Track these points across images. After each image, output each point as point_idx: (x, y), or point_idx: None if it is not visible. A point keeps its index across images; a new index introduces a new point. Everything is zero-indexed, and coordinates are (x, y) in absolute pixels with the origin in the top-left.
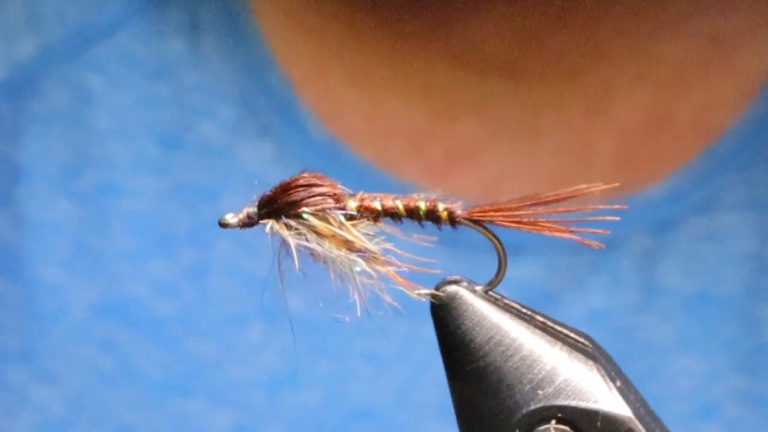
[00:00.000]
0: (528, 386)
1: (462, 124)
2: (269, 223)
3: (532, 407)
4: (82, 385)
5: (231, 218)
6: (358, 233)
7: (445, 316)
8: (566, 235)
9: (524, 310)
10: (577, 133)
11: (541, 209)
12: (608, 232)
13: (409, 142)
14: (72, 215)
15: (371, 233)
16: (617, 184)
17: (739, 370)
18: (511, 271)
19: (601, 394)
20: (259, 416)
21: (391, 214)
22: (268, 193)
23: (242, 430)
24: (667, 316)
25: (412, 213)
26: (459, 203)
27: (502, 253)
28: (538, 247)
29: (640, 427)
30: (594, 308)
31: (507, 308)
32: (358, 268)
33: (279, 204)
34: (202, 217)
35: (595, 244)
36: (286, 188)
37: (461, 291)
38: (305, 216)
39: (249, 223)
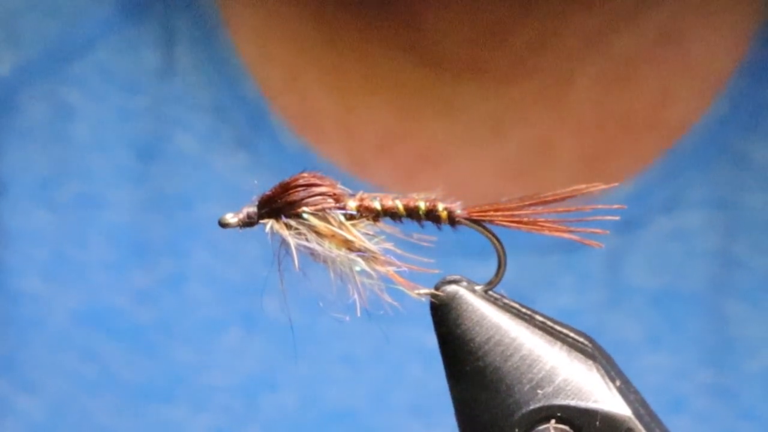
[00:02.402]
0: (528, 386)
1: (430, 124)
2: (269, 223)
3: (532, 407)
4: (63, 392)
5: (231, 218)
6: (358, 233)
7: (444, 316)
8: (566, 235)
9: (524, 310)
10: (539, 130)
11: (540, 209)
12: (608, 231)
13: (379, 144)
14: (52, 226)
15: (371, 233)
16: (616, 184)
17: (707, 364)
18: (480, 269)
19: (600, 394)
20: (237, 420)
21: (390, 214)
22: (267, 193)
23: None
24: (635, 313)
25: (412, 213)
26: (459, 203)
27: (501, 253)
28: (507, 247)
29: (640, 426)
30: (562, 307)
31: (507, 308)
32: (357, 268)
33: (279, 204)
34: (179, 225)
35: (595, 243)
36: (285, 188)
37: (461, 291)
38: (305, 216)
39: (249, 223)
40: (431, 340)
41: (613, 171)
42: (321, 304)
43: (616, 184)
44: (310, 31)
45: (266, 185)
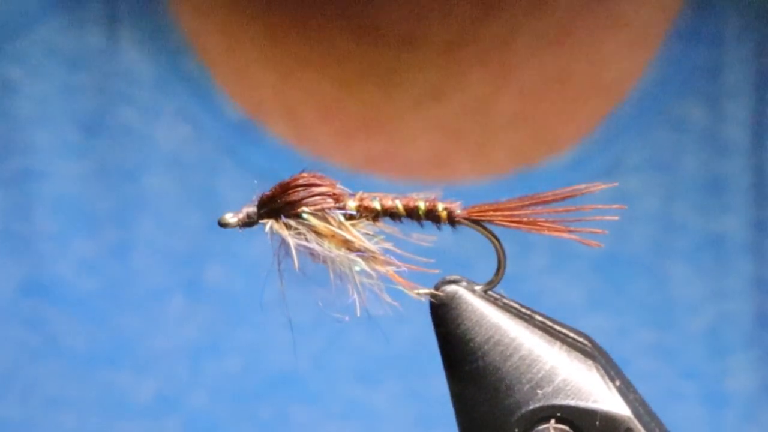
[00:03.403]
0: (527, 386)
1: (369, 92)
2: (269, 223)
3: (532, 407)
4: (10, 361)
5: (230, 218)
6: (358, 233)
7: (444, 316)
8: (565, 235)
9: (523, 310)
10: (478, 94)
11: (540, 209)
12: (607, 231)
13: (318, 113)
14: None
15: (371, 233)
16: (616, 184)
17: (648, 325)
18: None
19: (600, 394)
20: (181, 384)
21: (390, 214)
22: (267, 192)
23: (166, 398)
24: (577, 277)
25: (412, 213)
26: (458, 203)
27: (501, 253)
28: None
29: (639, 426)
30: (505, 274)
31: (506, 308)
32: (357, 268)
33: (278, 204)
34: (123, 197)
35: (594, 243)
36: (285, 188)
37: (460, 290)
38: (305, 216)
39: (248, 222)
40: (373, 307)
41: (552, 133)
42: (320, 304)
43: (615, 184)
44: (247, 4)
45: (208, 157)
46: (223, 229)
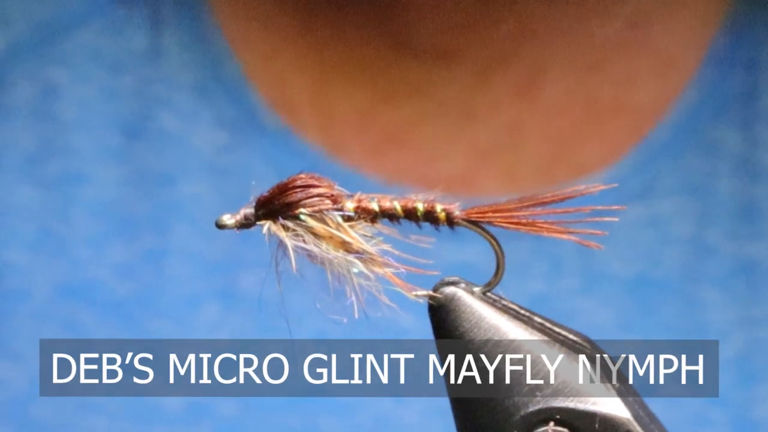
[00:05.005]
0: (526, 387)
1: (400, 106)
2: (266, 224)
3: (531, 408)
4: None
5: (228, 219)
6: (356, 234)
7: (443, 318)
8: (565, 236)
9: (522, 312)
10: (507, 113)
11: (539, 210)
12: (607, 233)
13: (351, 124)
14: (37, 201)
15: (369, 234)
16: (615, 185)
17: (678, 349)
18: (452, 255)
19: (599, 396)
20: (212, 392)
21: (388, 215)
22: (265, 194)
23: (197, 406)
24: (607, 299)
25: (410, 214)
26: (457, 204)
27: (500, 254)
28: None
29: (639, 428)
30: (534, 293)
31: (505, 309)
32: (355, 270)
33: (276, 205)
34: (161, 202)
35: (593, 245)
36: (283, 189)
37: (459, 292)
38: (302, 217)
39: (246, 224)
40: (404, 320)
41: (581, 155)
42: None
43: (615, 185)
44: (288, 13)
45: (245, 164)
46: (258, 238)
